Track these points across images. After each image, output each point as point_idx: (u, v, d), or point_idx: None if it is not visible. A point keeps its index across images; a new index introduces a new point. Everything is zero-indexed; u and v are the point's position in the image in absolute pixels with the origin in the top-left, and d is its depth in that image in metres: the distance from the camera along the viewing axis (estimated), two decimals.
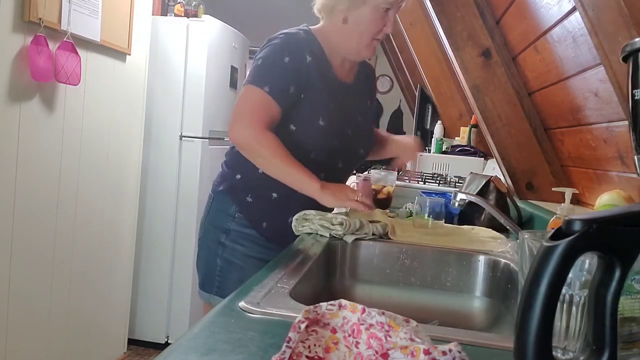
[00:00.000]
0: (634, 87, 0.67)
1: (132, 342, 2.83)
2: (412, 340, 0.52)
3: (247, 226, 1.39)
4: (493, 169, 2.28)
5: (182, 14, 2.96)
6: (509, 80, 1.76)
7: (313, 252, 1.11)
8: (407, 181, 2.41)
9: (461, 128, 3.30)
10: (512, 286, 1.14)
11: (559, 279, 0.44)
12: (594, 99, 1.25)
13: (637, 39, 0.64)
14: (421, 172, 2.74)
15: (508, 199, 1.72)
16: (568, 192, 1.16)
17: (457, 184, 2.36)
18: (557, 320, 0.55)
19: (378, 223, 1.33)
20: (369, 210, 1.31)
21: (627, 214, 0.45)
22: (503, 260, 1.21)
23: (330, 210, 1.37)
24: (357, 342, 0.55)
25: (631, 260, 0.45)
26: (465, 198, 1.43)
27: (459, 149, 3.06)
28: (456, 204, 1.45)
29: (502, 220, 1.39)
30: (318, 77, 1.32)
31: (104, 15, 2.18)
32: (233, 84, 3.29)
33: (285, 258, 1.04)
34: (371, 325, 0.54)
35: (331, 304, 0.57)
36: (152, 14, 2.74)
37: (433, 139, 3.45)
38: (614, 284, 0.46)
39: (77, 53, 1.99)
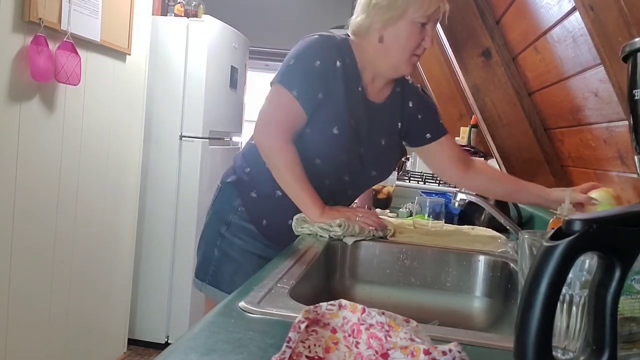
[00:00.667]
0: (633, 87, 0.67)
1: (132, 342, 2.83)
2: (412, 340, 0.52)
3: (248, 221, 1.39)
4: None
5: (182, 14, 2.96)
6: (509, 80, 1.76)
7: (313, 252, 1.11)
8: (407, 181, 2.41)
9: (461, 128, 3.30)
10: (512, 286, 1.14)
11: (559, 279, 0.44)
12: (594, 99, 1.25)
13: (637, 39, 0.64)
14: (421, 172, 2.74)
15: None
16: (568, 192, 1.16)
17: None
18: (557, 320, 0.55)
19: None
20: (374, 227, 1.28)
21: (627, 214, 0.45)
22: (503, 260, 1.21)
23: None
24: (357, 342, 0.55)
25: (631, 260, 0.45)
26: (465, 198, 1.43)
27: None
28: (456, 204, 1.45)
29: (502, 220, 1.39)
30: (343, 85, 1.29)
31: (104, 15, 2.18)
32: (233, 84, 3.29)
33: (285, 258, 1.04)
34: (371, 325, 0.54)
35: (331, 304, 0.57)
36: (152, 14, 2.74)
37: None
38: (614, 284, 0.46)
39: (77, 53, 1.99)
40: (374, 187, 1.89)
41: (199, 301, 2.82)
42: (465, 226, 1.58)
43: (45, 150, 1.97)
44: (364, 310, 0.56)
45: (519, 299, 0.46)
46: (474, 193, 1.51)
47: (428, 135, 1.45)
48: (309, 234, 1.26)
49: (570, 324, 0.57)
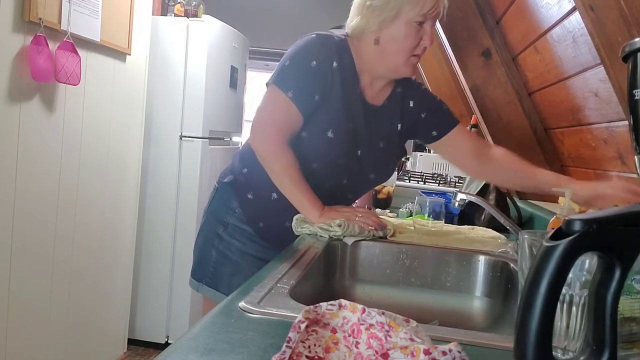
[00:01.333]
0: (633, 87, 0.67)
1: (132, 342, 2.83)
2: (412, 340, 0.52)
3: (245, 223, 1.38)
4: None
5: (182, 14, 2.96)
6: (509, 80, 1.76)
7: (313, 252, 1.11)
8: (407, 181, 2.41)
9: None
10: (512, 286, 1.14)
11: (559, 279, 0.44)
12: (594, 99, 1.25)
13: (637, 39, 0.64)
14: (421, 172, 2.74)
15: (508, 199, 1.72)
16: (568, 192, 1.16)
17: (457, 184, 2.36)
18: (557, 320, 0.55)
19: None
20: (373, 227, 1.28)
21: (627, 214, 0.45)
22: (503, 260, 1.21)
23: None
24: (357, 342, 0.55)
25: (631, 260, 0.45)
26: (465, 198, 1.43)
27: None
28: (456, 204, 1.45)
29: (502, 220, 1.39)
30: (340, 87, 1.27)
31: (104, 15, 2.18)
32: (233, 84, 3.29)
33: (285, 258, 1.04)
34: (371, 325, 0.54)
35: (331, 304, 0.57)
36: (152, 14, 2.74)
37: None
38: (614, 284, 0.46)
39: (77, 53, 1.99)
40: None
41: (198, 301, 2.82)
42: (465, 226, 1.58)
43: (45, 150, 1.97)
44: (364, 310, 0.56)
45: (519, 299, 0.46)
46: (474, 193, 1.51)
47: (434, 133, 1.42)
48: (309, 234, 1.26)
49: (570, 324, 0.57)
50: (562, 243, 0.44)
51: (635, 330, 0.54)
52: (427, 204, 1.48)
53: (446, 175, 2.68)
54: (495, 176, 1.48)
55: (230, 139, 3.39)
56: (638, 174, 0.86)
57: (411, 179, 2.49)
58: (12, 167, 1.81)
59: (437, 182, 2.41)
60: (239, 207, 1.39)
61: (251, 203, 1.38)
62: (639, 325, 0.54)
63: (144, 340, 2.92)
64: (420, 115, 1.42)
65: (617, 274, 0.45)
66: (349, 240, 1.25)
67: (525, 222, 1.70)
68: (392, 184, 1.96)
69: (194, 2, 3.01)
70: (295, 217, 1.28)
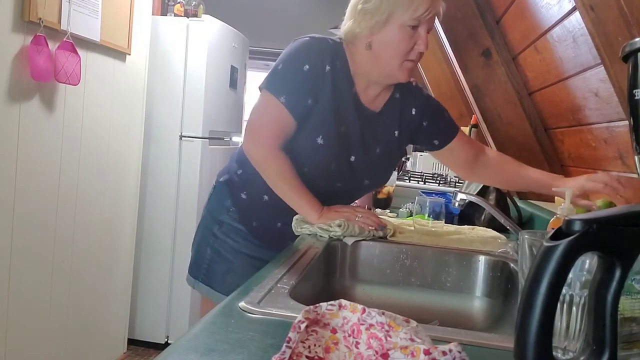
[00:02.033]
0: (634, 87, 0.67)
1: (132, 342, 2.83)
2: (412, 340, 0.52)
3: (239, 221, 1.39)
4: None
5: (182, 14, 2.96)
6: (509, 80, 1.76)
7: (313, 252, 1.11)
8: (407, 181, 2.41)
9: (461, 128, 3.29)
10: (512, 286, 1.14)
11: (559, 279, 0.44)
12: (594, 99, 1.25)
13: (637, 39, 0.64)
14: (421, 172, 2.74)
15: (508, 199, 1.72)
16: (568, 192, 1.16)
17: (457, 184, 2.36)
18: (557, 320, 0.55)
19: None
20: (373, 227, 1.27)
21: (627, 214, 0.45)
22: (503, 260, 1.21)
23: None
24: (357, 342, 0.55)
25: (631, 260, 0.45)
26: (465, 198, 1.43)
27: None
28: (456, 204, 1.45)
29: (502, 220, 1.39)
30: (332, 91, 1.24)
31: (104, 15, 2.18)
32: (233, 84, 3.29)
33: (285, 258, 1.04)
34: (371, 325, 0.54)
35: (331, 304, 0.57)
36: (152, 14, 2.74)
37: None
38: (614, 284, 0.46)
39: (77, 53, 1.99)
40: None
41: (198, 301, 2.81)
42: (465, 226, 1.58)
43: (45, 150, 1.97)
44: (364, 311, 0.56)
45: (519, 299, 0.46)
46: (474, 193, 1.51)
47: (436, 142, 1.42)
48: (309, 234, 1.26)
49: (570, 324, 0.57)
50: (562, 243, 0.44)
51: (635, 330, 0.54)
52: (427, 204, 1.48)
53: (446, 175, 2.68)
54: (490, 180, 1.52)
55: (230, 139, 3.39)
56: (638, 174, 0.86)
57: (411, 179, 2.49)
58: (12, 167, 1.81)
59: (437, 182, 2.41)
60: (233, 206, 1.39)
61: (244, 203, 1.38)
62: (639, 325, 0.54)
63: (144, 340, 2.92)
64: (421, 124, 1.40)
65: (617, 274, 0.45)
66: (349, 241, 1.25)
67: (525, 222, 1.70)
68: (392, 184, 1.96)
69: (194, 2, 3.01)
70: (295, 217, 1.28)
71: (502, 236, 1.45)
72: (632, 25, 0.85)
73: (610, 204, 1.19)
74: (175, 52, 2.87)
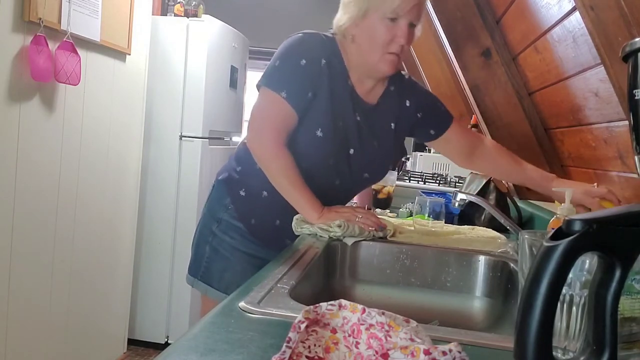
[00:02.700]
0: (634, 87, 0.67)
1: (132, 342, 2.83)
2: (412, 340, 0.52)
3: (237, 219, 1.39)
4: None
5: (182, 14, 2.96)
6: (509, 80, 1.76)
7: (313, 252, 1.11)
8: (407, 181, 2.41)
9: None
10: (512, 286, 1.14)
11: (559, 279, 0.44)
12: (594, 99, 1.25)
13: (637, 39, 0.64)
14: (421, 172, 2.74)
15: (508, 199, 1.72)
16: (568, 192, 1.16)
17: (457, 184, 2.36)
18: (557, 320, 0.55)
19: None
20: (374, 228, 1.27)
21: (627, 214, 0.45)
22: (503, 260, 1.21)
23: None
24: (357, 342, 0.55)
25: (631, 260, 0.45)
26: (465, 198, 1.43)
27: None
28: (456, 204, 1.45)
29: (502, 220, 1.39)
30: (328, 85, 1.26)
31: (104, 15, 2.18)
32: (233, 84, 3.29)
33: (285, 258, 1.04)
34: (371, 325, 0.54)
35: (331, 304, 0.57)
36: (152, 14, 2.74)
37: None
38: (614, 284, 0.46)
39: (77, 53, 1.99)
40: (374, 187, 1.89)
41: (198, 301, 2.81)
42: (465, 226, 1.58)
43: (45, 150, 1.97)
44: (364, 310, 0.56)
45: (519, 299, 0.46)
46: (474, 193, 1.51)
47: (432, 132, 1.44)
48: (309, 234, 1.26)
49: (570, 324, 0.57)
50: (562, 243, 0.44)
51: (635, 330, 0.54)
52: (427, 204, 1.48)
53: (446, 175, 2.68)
54: (486, 170, 1.57)
55: (230, 138, 3.39)
56: (638, 174, 0.86)
57: (411, 179, 2.49)
58: (12, 167, 1.81)
59: (437, 182, 2.41)
60: (232, 204, 1.39)
61: (243, 200, 1.38)
62: (639, 325, 0.54)
63: (144, 340, 2.92)
64: (416, 115, 1.42)
65: (617, 274, 0.45)
66: (349, 241, 1.25)
67: (525, 222, 1.69)
68: (392, 184, 1.96)
69: (194, 2, 3.01)
70: (295, 217, 1.28)
71: (502, 236, 1.45)
72: (632, 25, 0.85)
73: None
74: (175, 52, 2.87)
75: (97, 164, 2.31)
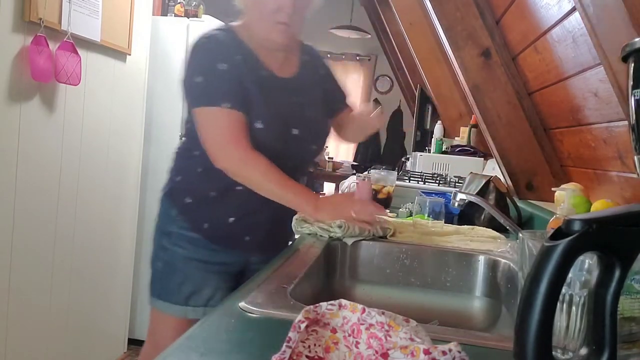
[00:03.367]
0: (634, 87, 0.67)
1: (132, 342, 2.83)
2: (412, 340, 0.52)
3: (189, 229, 1.33)
4: (493, 169, 2.28)
5: (182, 14, 2.96)
6: (509, 80, 1.76)
7: (313, 252, 1.11)
8: (407, 181, 2.41)
9: (461, 128, 3.30)
10: (512, 286, 1.14)
11: (559, 279, 0.44)
12: (594, 99, 1.25)
13: (637, 39, 0.64)
14: (421, 172, 2.74)
15: (508, 199, 1.72)
16: (568, 192, 1.16)
17: (457, 184, 2.36)
18: (557, 320, 0.55)
19: (378, 225, 1.33)
20: (370, 226, 1.26)
21: (627, 214, 0.45)
22: (503, 260, 1.21)
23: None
24: (357, 342, 0.55)
25: (631, 260, 0.45)
26: (465, 198, 1.43)
27: (459, 149, 3.06)
28: (456, 204, 1.45)
29: (502, 220, 1.39)
30: (248, 76, 1.24)
31: (104, 15, 2.18)
32: None
33: (285, 258, 1.04)
34: (371, 325, 0.55)
35: (331, 304, 0.57)
36: (152, 14, 2.74)
37: (433, 139, 3.46)
38: (613, 283, 0.46)
39: (77, 53, 1.99)
40: (374, 187, 1.89)
41: None
42: (465, 226, 1.58)
43: (45, 150, 1.97)
44: (364, 310, 0.56)
45: (519, 299, 0.46)
46: (474, 193, 1.51)
47: (336, 107, 1.48)
48: (309, 234, 1.26)
49: (570, 323, 0.57)
50: (562, 243, 0.44)
51: (635, 330, 0.54)
52: (427, 204, 1.48)
53: (446, 175, 2.68)
54: (350, 137, 1.61)
55: None
56: (638, 174, 0.86)
57: (411, 179, 2.49)
58: (12, 167, 1.81)
59: (437, 182, 2.41)
60: (180, 214, 1.34)
61: (191, 207, 1.34)
62: (639, 325, 0.54)
63: (144, 340, 2.91)
64: (326, 87, 1.45)
65: (617, 273, 0.46)
66: (349, 241, 1.25)
67: (525, 222, 1.69)
68: (392, 184, 1.96)
69: (194, 2, 3.01)
70: (295, 217, 1.28)
71: (502, 236, 1.45)
72: (632, 25, 0.85)
73: (609, 205, 1.19)
74: (176, 52, 2.86)
75: (98, 164, 2.31)
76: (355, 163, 6.34)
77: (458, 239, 1.38)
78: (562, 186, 1.40)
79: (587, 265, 0.55)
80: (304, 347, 0.54)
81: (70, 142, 2.11)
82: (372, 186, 1.87)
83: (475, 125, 3.03)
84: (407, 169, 3.40)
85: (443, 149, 3.28)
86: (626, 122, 1.08)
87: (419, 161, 3.09)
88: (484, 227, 1.60)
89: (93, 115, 2.24)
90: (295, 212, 1.31)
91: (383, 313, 0.55)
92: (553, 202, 1.58)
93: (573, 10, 1.16)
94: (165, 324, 1.36)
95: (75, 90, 2.10)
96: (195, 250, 1.33)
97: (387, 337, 0.53)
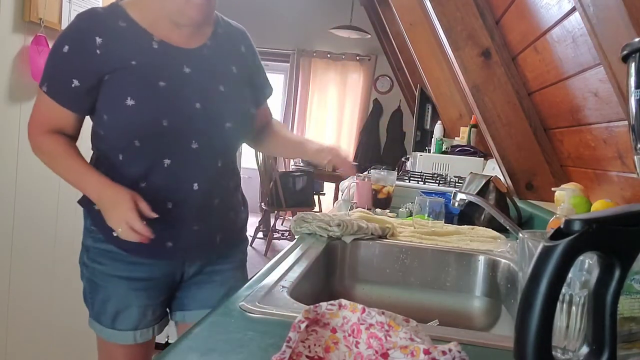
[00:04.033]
0: (634, 87, 0.67)
1: None
2: (412, 340, 0.52)
3: (103, 240, 1.22)
4: (493, 169, 2.28)
5: None
6: (508, 80, 1.76)
7: (313, 252, 1.11)
8: (407, 181, 2.41)
9: (461, 128, 3.30)
10: (512, 286, 1.14)
11: (559, 279, 0.44)
12: (594, 99, 1.25)
13: (637, 39, 0.64)
14: (421, 172, 2.74)
15: (508, 199, 1.72)
16: (568, 192, 1.16)
17: (457, 184, 2.36)
18: (557, 320, 0.55)
19: (377, 224, 1.33)
20: (140, 239, 1.08)
21: (627, 214, 0.45)
22: (503, 260, 1.21)
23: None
24: (357, 342, 0.55)
25: (631, 260, 0.45)
26: (465, 198, 1.43)
27: (459, 149, 3.06)
28: (456, 204, 1.45)
29: (502, 220, 1.39)
30: (122, 53, 1.13)
31: None
32: None
33: (285, 258, 1.04)
34: (371, 325, 0.55)
35: (331, 304, 0.57)
36: None
37: (433, 139, 3.46)
38: (613, 283, 0.46)
39: None
40: (374, 187, 1.89)
41: None
42: (465, 226, 1.58)
43: None
44: (364, 310, 0.56)
45: (519, 299, 0.46)
46: (474, 193, 1.51)
47: (257, 94, 1.33)
48: (309, 234, 1.26)
49: (570, 323, 0.57)
50: (562, 243, 0.44)
51: (634, 330, 0.54)
52: (427, 204, 1.48)
53: (446, 175, 2.68)
54: (271, 150, 1.55)
55: None
56: (638, 174, 0.86)
57: (411, 179, 2.49)
58: (13, 167, 1.81)
59: (437, 182, 2.41)
60: (93, 225, 1.26)
61: (100, 214, 1.19)
62: (639, 325, 0.54)
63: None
64: (254, 64, 1.34)
65: (617, 274, 0.46)
66: (348, 239, 1.25)
67: (525, 222, 1.70)
68: (391, 183, 1.96)
69: None
70: (293, 219, 1.28)
71: (502, 236, 1.45)
72: (632, 25, 0.85)
73: (608, 205, 1.20)
74: None
75: None
76: (355, 163, 6.34)
77: (458, 239, 1.38)
78: (562, 186, 1.40)
79: (587, 265, 0.55)
80: (304, 347, 0.54)
81: None
82: (372, 186, 1.87)
83: (475, 125, 3.03)
84: (407, 169, 3.40)
85: (443, 149, 3.28)
86: (626, 122, 1.08)
87: (419, 161, 3.09)
88: (484, 227, 1.60)
89: None
90: (234, 204, 1.25)
91: (383, 313, 0.55)
92: (553, 202, 1.58)
93: (573, 10, 1.16)
94: (105, 350, 1.29)
95: None
96: (114, 266, 1.22)
97: (387, 337, 0.53)
